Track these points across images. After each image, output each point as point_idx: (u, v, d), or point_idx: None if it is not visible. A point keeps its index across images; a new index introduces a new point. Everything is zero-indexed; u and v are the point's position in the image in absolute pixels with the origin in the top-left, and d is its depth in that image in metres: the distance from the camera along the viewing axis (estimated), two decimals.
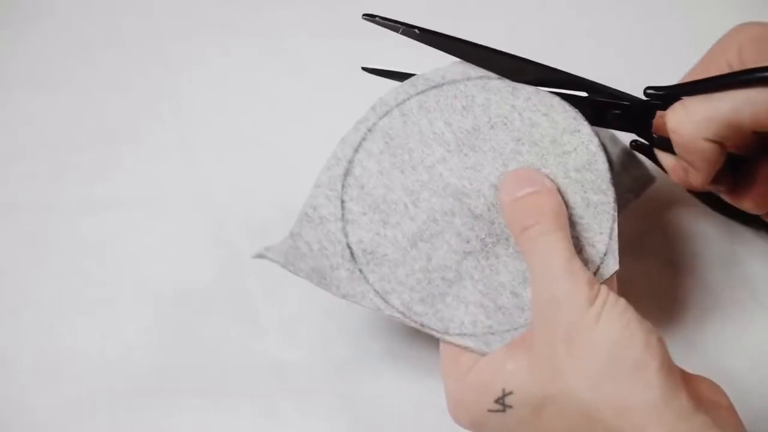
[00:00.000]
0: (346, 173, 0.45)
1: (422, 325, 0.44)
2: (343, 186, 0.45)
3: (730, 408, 0.39)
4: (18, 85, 0.63)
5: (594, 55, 0.62)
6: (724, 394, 0.40)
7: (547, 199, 0.43)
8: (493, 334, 0.43)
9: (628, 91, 0.47)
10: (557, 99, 0.46)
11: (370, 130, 0.46)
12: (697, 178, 0.47)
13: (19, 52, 0.64)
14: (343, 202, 0.45)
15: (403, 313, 0.44)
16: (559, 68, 0.47)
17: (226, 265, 0.55)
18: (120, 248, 0.56)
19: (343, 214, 0.45)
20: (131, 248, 0.56)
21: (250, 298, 0.54)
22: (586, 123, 0.45)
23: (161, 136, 0.60)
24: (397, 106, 0.46)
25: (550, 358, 0.39)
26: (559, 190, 0.44)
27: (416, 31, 0.46)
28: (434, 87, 0.46)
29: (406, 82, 0.47)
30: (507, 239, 0.44)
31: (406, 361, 0.51)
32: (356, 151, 0.45)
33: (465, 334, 0.43)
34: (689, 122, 0.45)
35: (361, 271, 0.44)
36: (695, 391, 0.38)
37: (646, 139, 0.49)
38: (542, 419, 0.39)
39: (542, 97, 0.46)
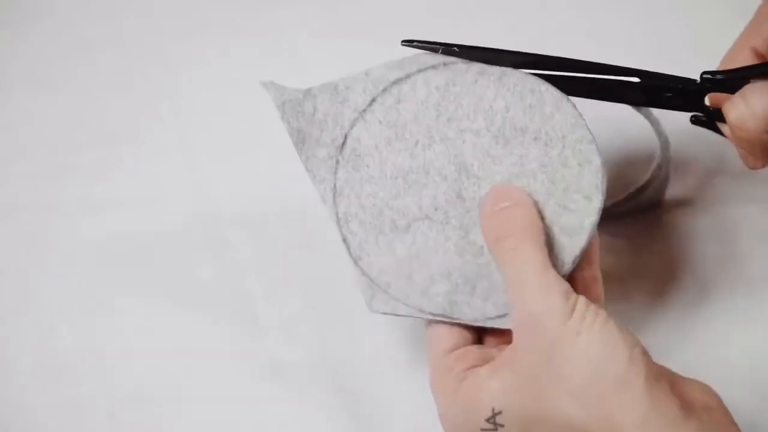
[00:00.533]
0: (394, 83, 0.45)
1: (344, 240, 0.45)
2: (384, 90, 0.45)
3: (723, 410, 0.39)
4: (18, 85, 0.62)
5: (594, 55, 0.62)
6: (715, 396, 0.39)
7: (521, 212, 0.42)
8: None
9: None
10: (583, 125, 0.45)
11: (427, 70, 0.45)
12: (757, 163, 0.46)
13: (19, 52, 0.64)
14: (373, 100, 0.45)
15: (340, 220, 0.44)
16: (609, 64, 0.47)
17: (226, 265, 0.55)
18: (120, 248, 0.56)
19: (364, 111, 0.45)
20: (131, 248, 0.56)
21: (250, 298, 0.54)
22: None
23: (161, 136, 0.60)
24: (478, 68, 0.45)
25: (533, 376, 0.38)
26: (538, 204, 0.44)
27: (455, 49, 0.46)
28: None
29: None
30: (465, 234, 0.44)
31: (406, 361, 0.51)
32: (408, 78, 0.45)
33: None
34: (752, 118, 0.43)
35: (337, 162, 0.45)
36: (685, 395, 0.38)
37: (704, 114, 0.48)
38: None
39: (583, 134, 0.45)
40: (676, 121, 0.49)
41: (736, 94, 0.44)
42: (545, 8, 0.66)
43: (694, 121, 0.49)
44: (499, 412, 0.39)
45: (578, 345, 0.37)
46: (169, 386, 0.51)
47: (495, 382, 0.40)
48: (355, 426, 0.49)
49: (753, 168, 0.47)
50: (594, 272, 0.44)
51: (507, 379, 0.39)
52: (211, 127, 0.61)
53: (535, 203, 0.43)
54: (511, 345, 0.41)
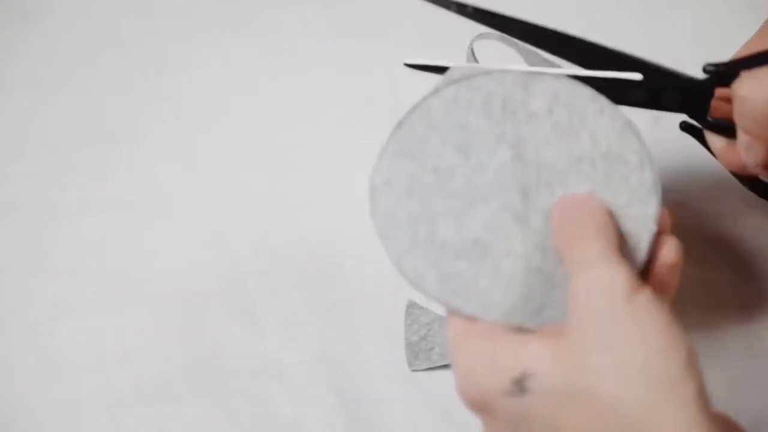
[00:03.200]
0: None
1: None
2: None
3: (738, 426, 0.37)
4: (18, 85, 0.63)
5: None
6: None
7: (588, 209, 0.40)
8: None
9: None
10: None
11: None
12: (759, 153, 0.45)
13: (20, 52, 0.64)
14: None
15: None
16: (610, 47, 0.45)
17: (226, 265, 0.55)
18: (120, 248, 0.56)
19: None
20: (131, 248, 0.56)
21: (250, 298, 0.54)
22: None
23: (161, 136, 0.60)
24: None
25: (581, 348, 0.36)
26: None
27: (469, 9, 0.45)
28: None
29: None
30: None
31: (405, 361, 0.51)
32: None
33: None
34: (760, 91, 0.43)
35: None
36: (725, 425, 0.36)
37: (699, 121, 0.47)
38: (562, 412, 0.36)
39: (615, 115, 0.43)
40: None
41: (745, 72, 0.44)
42: (545, 8, 0.66)
43: (684, 127, 0.48)
44: (531, 375, 0.36)
45: (636, 329, 0.35)
46: (169, 386, 0.51)
47: (536, 346, 0.37)
48: (354, 426, 0.49)
49: (749, 168, 0.46)
50: (668, 258, 0.41)
51: (551, 346, 0.36)
52: (211, 127, 0.61)
53: (604, 205, 0.40)
54: (558, 327, 0.38)
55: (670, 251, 0.40)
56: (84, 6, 0.66)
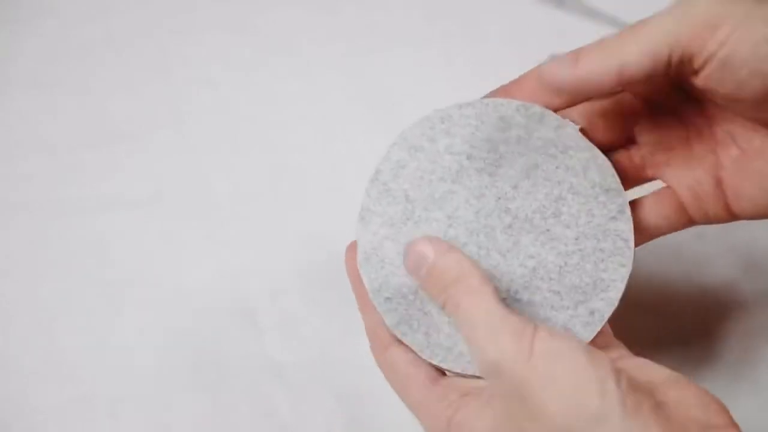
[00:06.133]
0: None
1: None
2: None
3: (731, 428, 0.36)
4: (20, 85, 0.63)
5: None
6: (724, 413, 0.36)
7: (445, 263, 0.39)
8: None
9: None
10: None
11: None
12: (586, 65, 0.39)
13: (21, 52, 0.64)
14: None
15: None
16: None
17: (226, 265, 0.55)
18: (121, 248, 0.56)
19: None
20: (132, 248, 0.56)
21: (250, 298, 0.54)
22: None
23: (162, 136, 0.60)
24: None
25: (511, 418, 0.36)
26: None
27: None
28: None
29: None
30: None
31: None
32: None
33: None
34: (747, 39, 0.37)
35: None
36: (678, 417, 0.35)
37: None
38: None
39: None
40: None
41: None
42: (545, 8, 0.66)
43: None
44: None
45: (546, 386, 0.35)
46: (170, 385, 0.51)
47: (479, 424, 0.38)
48: (354, 426, 0.50)
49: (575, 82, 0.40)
50: None
51: (490, 419, 0.38)
52: (211, 127, 0.61)
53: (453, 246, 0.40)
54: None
55: None
56: (85, 6, 0.66)
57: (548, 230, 0.42)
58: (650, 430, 0.34)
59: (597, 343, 0.41)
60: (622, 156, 0.44)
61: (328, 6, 0.66)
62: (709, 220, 0.43)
